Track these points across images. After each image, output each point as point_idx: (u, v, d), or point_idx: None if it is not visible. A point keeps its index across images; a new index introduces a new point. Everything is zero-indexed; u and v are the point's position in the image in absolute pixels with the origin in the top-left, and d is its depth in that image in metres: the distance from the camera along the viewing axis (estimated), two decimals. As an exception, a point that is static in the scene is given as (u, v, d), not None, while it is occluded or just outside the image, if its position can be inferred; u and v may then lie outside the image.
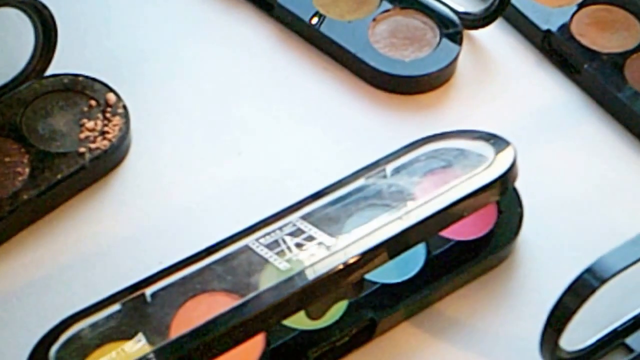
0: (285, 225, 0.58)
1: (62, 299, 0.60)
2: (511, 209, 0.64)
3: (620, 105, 0.70)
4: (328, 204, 0.60)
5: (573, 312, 0.52)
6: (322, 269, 0.55)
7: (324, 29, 0.73)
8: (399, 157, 0.63)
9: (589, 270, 0.52)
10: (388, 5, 0.74)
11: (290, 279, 0.54)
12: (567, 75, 0.73)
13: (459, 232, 0.62)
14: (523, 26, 0.75)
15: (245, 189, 0.66)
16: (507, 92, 0.73)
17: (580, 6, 0.75)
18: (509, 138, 0.62)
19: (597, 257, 0.52)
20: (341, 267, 0.55)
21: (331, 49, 0.73)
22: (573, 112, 0.72)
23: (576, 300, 0.52)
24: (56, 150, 0.65)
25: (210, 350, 0.52)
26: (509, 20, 0.76)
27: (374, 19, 0.73)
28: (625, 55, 0.72)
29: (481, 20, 0.73)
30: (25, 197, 0.63)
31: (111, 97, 0.68)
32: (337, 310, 0.59)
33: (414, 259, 0.61)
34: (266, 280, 0.56)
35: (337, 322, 0.59)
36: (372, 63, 0.71)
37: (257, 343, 0.57)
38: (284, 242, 0.57)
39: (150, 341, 0.54)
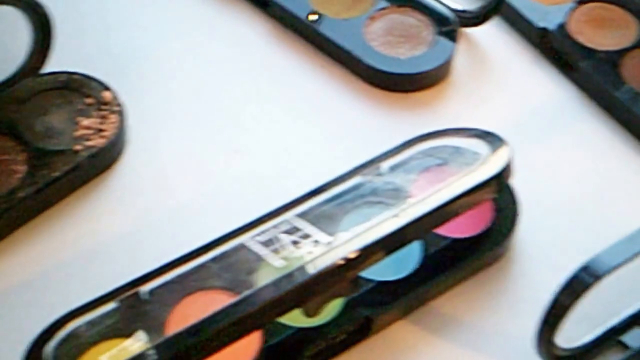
0: (281, 223, 0.58)
1: (59, 297, 0.60)
2: (507, 207, 0.64)
3: (616, 103, 0.70)
4: (324, 202, 0.60)
5: (568, 308, 0.53)
6: (318, 266, 0.55)
7: (319, 26, 0.73)
8: (395, 154, 0.63)
9: (583, 268, 0.52)
10: (384, 3, 0.74)
11: (287, 276, 0.54)
12: (564, 72, 0.73)
13: (455, 229, 0.62)
14: (519, 24, 0.75)
15: (241, 187, 0.66)
16: (503, 89, 0.73)
17: (577, 4, 0.75)
18: (505, 136, 0.62)
19: (592, 255, 0.52)
20: (337, 264, 0.55)
21: (327, 46, 0.73)
22: (569, 109, 0.72)
23: (571, 297, 0.52)
24: (52, 147, 0.65)
25: (207, 348, 0.52)
26: (505, 18, 0.76)
27: (370, 17, 0.73)
28: (622, 53, 0.72)
29: (477, 18, 0.73)
30: (21, 194, 0.63)
31: (107, 94, 0.68)
32: (334, 307, 0.59)
33: (410, 257, 0.61)
34: (262, 278, 0.56)
35: (333, 319, 0.59)
36: (368, 61, 0.71)
37: (253, 340, 0.57)
38: (280, 239, 0.57)
39: (146, 339, 0.54)
